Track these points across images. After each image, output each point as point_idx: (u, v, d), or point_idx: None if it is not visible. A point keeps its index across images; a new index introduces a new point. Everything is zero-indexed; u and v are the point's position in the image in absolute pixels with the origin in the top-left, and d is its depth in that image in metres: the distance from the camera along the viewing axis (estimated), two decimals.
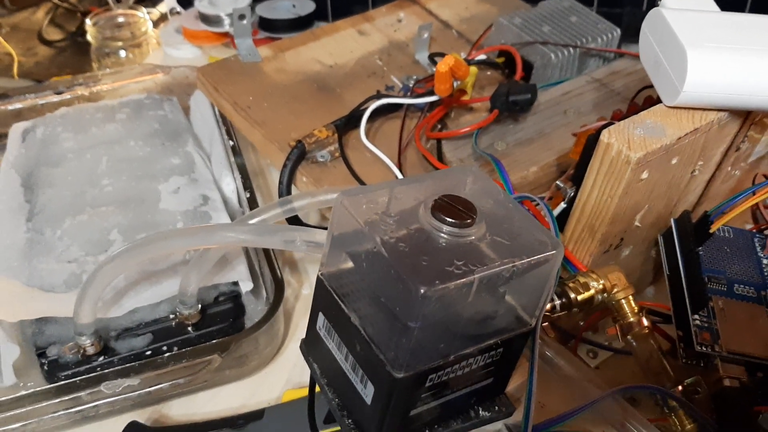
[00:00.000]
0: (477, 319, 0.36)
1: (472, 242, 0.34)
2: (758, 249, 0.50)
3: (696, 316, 0.45)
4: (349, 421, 0.38)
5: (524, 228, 0.36)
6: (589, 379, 0.43)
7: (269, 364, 0.57)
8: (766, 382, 0.45)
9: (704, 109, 0.44)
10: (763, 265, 0.49)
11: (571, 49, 0.69)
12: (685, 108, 0.44)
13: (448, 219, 0.34)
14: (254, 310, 0.58)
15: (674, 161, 0.44)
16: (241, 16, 0.70)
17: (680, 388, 0.45)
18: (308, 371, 0.55)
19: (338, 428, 0.47)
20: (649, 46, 0.45)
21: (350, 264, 0.36)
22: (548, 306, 0.43)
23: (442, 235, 0.34)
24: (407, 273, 0.32)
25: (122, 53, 0.98)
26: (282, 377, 0.56)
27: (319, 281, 0.38)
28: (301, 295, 0.63)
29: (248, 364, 0.55)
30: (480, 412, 0.40)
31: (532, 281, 0.36)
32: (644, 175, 0.42)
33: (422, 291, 0.31)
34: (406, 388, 0.34)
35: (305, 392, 0.52)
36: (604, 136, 0.41)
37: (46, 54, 1.03)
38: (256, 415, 0.50)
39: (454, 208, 0.35)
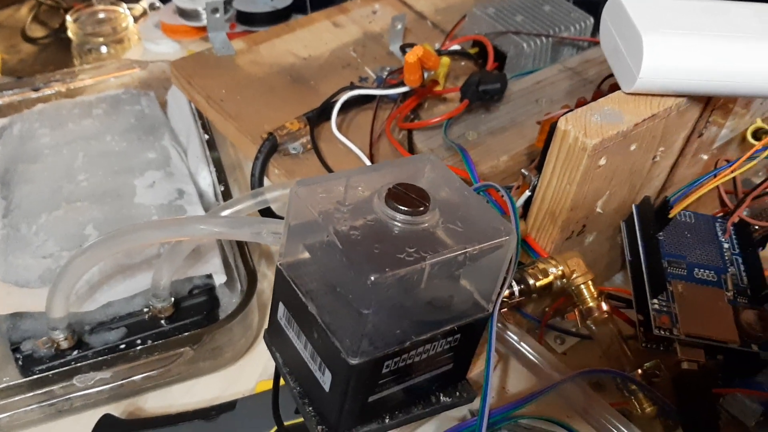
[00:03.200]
0: (433, 305, 0.36)
1: (426, 229, 0.35)
2: (719, 233, 0.51)
3: (655, 300, 0.46)
4: (310, 408, 0.38)
5: (479, 215, 0.37)
6: (553, 364, 0.44)
7: (244, 355, 0.58)
8: (725, 364, 0.45)
9: (663, 96, 0.44)
10: (724, 249, 0.50)
11: (543, 39, 0.70)
12: (643, 94, 0.44)
13: (401, 207, 0.34)
14: (229, 302, 0.59)
15: (633, 147, 0.44)
16: (215, 10, 0.70)
17: (640, 371, 0.45)
18: None
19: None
20: (609, 34, 0.46)
21: (307, 254, 0.37)
22: (506, 292, 0.43)
23: (396, 223, 0.34)
24: (358, 261, 0.32)
25: (104, 49, 0.98)
26: (257, 368, 0.57)
27: (278, 271, 0.38)
28: None
29: (223, 355, 0.56)
30: (441, 397, 0.40)
31: (487, 267, 0.36)
32: (602, 162, 0.42)
33: (372, 278, 0.31)
34: (362, 375, 0.34)
35: None
36: (561, 123, 0.42)
37: (30, 51, 1.03)
38: (229, 407, 0.50)
39: (408, 196, 0.35)
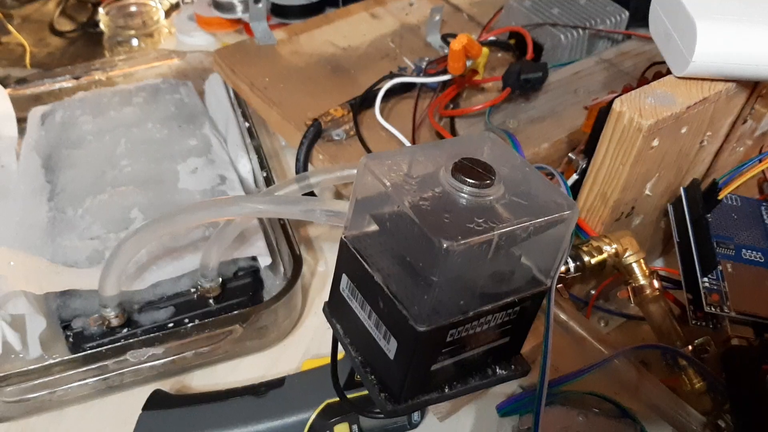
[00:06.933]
0: (495, 277, 0.37)
1: (491, 202, 0.35)
2: (765, 216, 0.52)
3: (705, 279, 0.47)
4: (372, 377, 0.39)
5: (541, 190, 0.38)
6: (602, 340, 0.45)
7: (288, 336, 0.59)
8: None
9: (713, 80, 0.45)
10: None
11: (580, 31, 0.71)
12: (694, 78, 0.45)
13: (469, 180, 0.35)
14: (272, 284, 0.60)
15: (684, 130, 0.45)
16: (257, 0, 0.72)
17: (690, 347, 0.46)
18: (325, 343, 0.57)
19: (356, 394, 0.49)
20: (659, 20, 0.47)
21: (373, 226, 0.38)
22: (563, 268, 0.44)
23: (463, 195, 0.35)
24: (431, 229, 0.33)
25: (134, 42, 1.00)
26: (300, 348, 0.58)
27: (342, 244, 0.39)
28: (317, 271, 0.65)
29: (268, 335, 0.57)
30: (497, 370, 0.41)
31: (547, 241, 0.37)
32: (655, 143, 0.43)
33: (445, 246, 0.32)
34: (428, 342, 0.35)
35: (323, 362, 0.54)
36: (617, 104, 0.43)
37: (58, 44, 1.04)
38: (277, 383, 0.51)
39: (474, 170, 0.36)
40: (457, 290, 0.35)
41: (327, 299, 0.42)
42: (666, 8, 0.46)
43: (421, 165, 0.38)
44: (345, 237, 0.39)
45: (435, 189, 0.36)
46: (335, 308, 0.42)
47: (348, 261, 0.39)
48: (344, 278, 0.40)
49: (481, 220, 0.34)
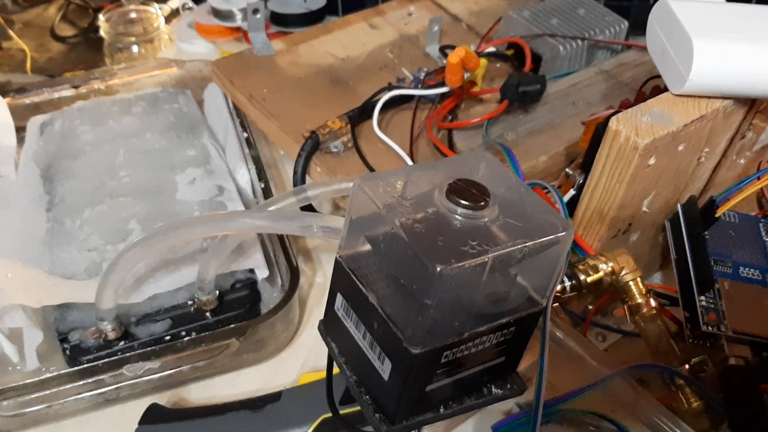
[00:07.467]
0: (490, 299, 0.37)
1: (486, 224, 0.35)
2: (763, 233, 0.51)
3: (702, 298, 0.47)
4: (367, 397, 0.39)
5: (535, 211, 0.37)
6: (599, 358, 0.45)
7: (285, 348, 0.59)
8: None
9: (710, 97, 0.45)
10: None
11: (579, 42, 0.70)
12: (691, 96, 0.45)
13: (463, 201, 0.35)
14: (270, 296, 0.60)
15: (681, 148, 0.45)
16: (255, 11, 0.72)
17: (687, 366, 0.46)
18: (323, 355, 0.57)
19: (353, 409, 0.49)
20: (657, 37, 0.47)
21: (368, 246, 0.37)
22: (558, 287, 0.44)
23: (457, 217, 0.35)
24: (424, 253, 0.33)
25: (135, 48, 1.00)
26: (298, 361, 0.58)
27: (337, 263, 0.39)
28: (315, 283, 0.65)
29: (265, 348, 0.57)
30: (493, 389, 0.41)
31: (543, 262, 0.37)
32: (651, 161, 0.43)
33: (438, 269, 0.32)
34: (422, 364, 0.35)
35: (321, 375, 0.54)
36: (613, 123, 0.43)
37: (59, 50, 1.04)
38: (274, 398, 0.51)
39: (468, 191, 0.36)
40: (452, 312, 0.35)
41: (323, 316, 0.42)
42: (663, 26, 0.46)
43: (416, 186, 0.37)
44: (340, 256, 0.39)
45: (429, 211, 0.36)
46: (330, 327, 0.42)
47: (343, 280, 0.39)
48: (339, 297, 0.40)
49: (475, 243, 0.34)
